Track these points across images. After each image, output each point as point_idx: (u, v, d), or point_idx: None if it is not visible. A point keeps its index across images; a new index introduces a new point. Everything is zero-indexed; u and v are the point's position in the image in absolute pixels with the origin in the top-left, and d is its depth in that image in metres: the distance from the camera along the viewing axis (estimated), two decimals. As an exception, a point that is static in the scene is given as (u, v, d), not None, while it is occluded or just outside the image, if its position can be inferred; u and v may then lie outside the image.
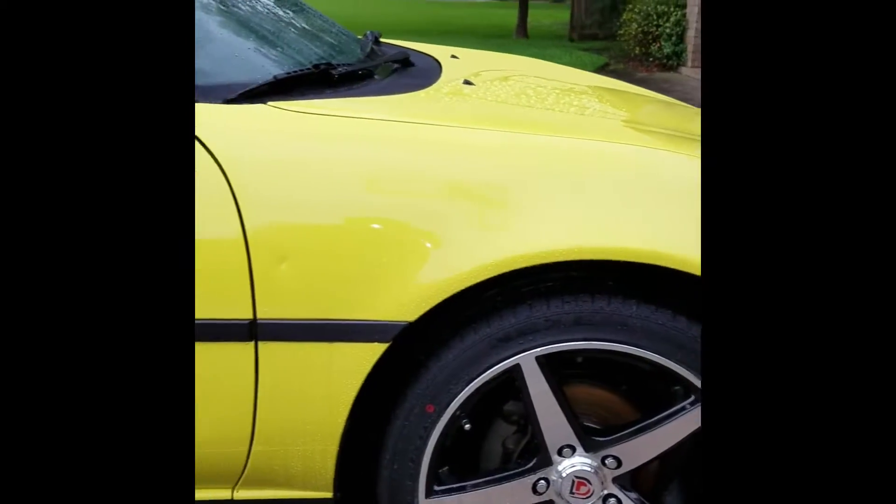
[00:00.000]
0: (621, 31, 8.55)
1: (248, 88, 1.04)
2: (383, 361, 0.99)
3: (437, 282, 0.95)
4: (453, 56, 1.75)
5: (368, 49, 1.53)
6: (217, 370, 0.98)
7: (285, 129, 1.00)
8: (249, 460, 1.03)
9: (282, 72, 1.13)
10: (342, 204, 0.96)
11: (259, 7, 1.37)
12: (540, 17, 14.27)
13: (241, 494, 1.06)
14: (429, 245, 0.96)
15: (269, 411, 1.00)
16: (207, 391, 0.99)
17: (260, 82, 1.06)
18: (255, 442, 1.02)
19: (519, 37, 11.30)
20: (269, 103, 1.02)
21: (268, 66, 1.14)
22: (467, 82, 1.37)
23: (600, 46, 9.81)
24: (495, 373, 1.00)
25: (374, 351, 0.98)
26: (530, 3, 12.01)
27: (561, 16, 14.14)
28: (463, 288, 0.95)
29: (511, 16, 14.11)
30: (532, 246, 0.95)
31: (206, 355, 0.97)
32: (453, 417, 1.02)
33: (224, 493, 1.06)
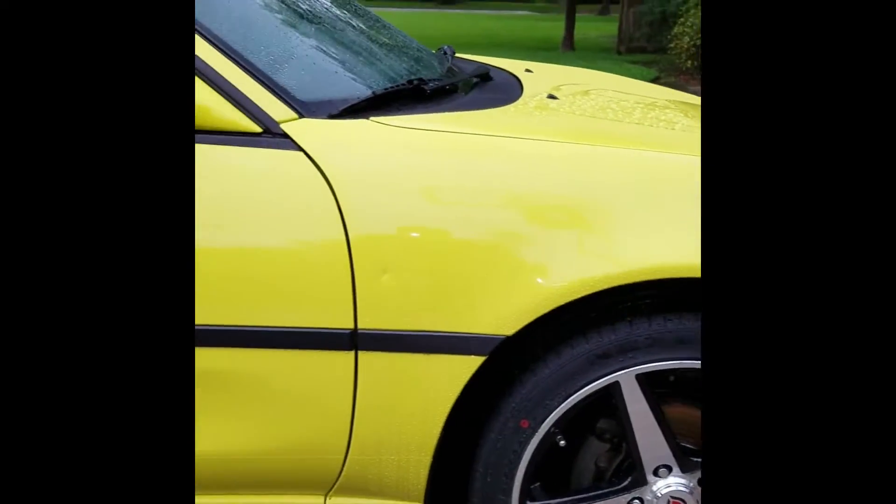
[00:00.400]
0: (672, 45, 8.45)
1: (350, 104, 1.07)
2: (479, 374, 0.99)
3: (537, 297, 0.96)
4: (527, 70, 1.76)
5: (448, 64, 1.55)
6: (317, 378, 1.00)
7: (390, 143, 1.02)
8: (344, 468, 1.04)
9: (379, 87, 1.16)
10: (444, 218, 0.98)
11: (350, 24, 1.41)
12: (586, 29, 14.20)
13: (335, 501, 1.08)
14: (530, 259, 0.96)
15: (366, 420, 1.01)
16: (307, 398, 1.01)
17: (361, 98, 1.09)
18: (350, 450, 1.03)
19: (566, 50, 11.27)
20: (372, 118, 1.05)
21: (365, 82, 1.17)
22: (551, 97, 1.38)
23: (649, 59, 9.71)
24: (593, 389, 0.99)
25: (470, 364, 0.99)
26: (577, 15, 11.99)
27: (607, 28, 14.06)
28: (562, 304, 0.95)
29: (556, 28, 14.09)
30: (634, 263, 0.94)
31: (307, 363, 0.99)
32: (548, 433, 1.01)
33: (317, 500, 1.08)
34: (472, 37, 12.69)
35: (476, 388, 1.02)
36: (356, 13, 1.53)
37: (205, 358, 0.98)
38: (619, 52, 10.97)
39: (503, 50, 9.91)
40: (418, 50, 1.57)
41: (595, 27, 15.38)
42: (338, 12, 1.44)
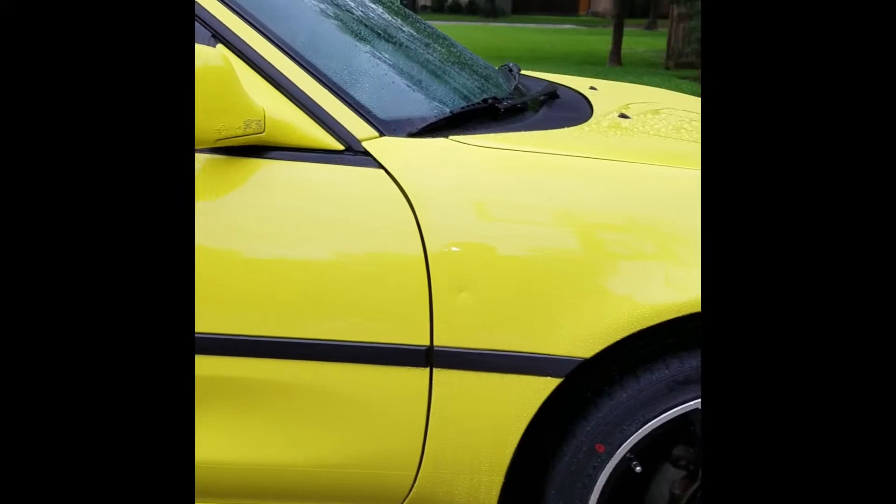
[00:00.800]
0: (723, 60, 8.29)
1: (429, 123, 1.08)
2: (553, 395, 0.99)
3: (619, 320, 0.95)
4: (592, 87, 1.75)
5: (515, 82, 1.56)
6: (392, 393, 1.01)
7: (469, 162, 1.02)
8: (415, 485, 1.04)
9: (454, 106, 1.17)
10: (524, 237, 0.97)
11: (420, 41, 1.43)
12: (633, 44, 14.08)
13: (403, 518, 1.08)
14: (612, 282, 0.95)
15: (438, 438, 1.01)
16: (381, 413, 1.01)
17: (439, 117, 1.10)
18: (422, 467, 1.03)
19: (613, 64, 11.19)
20: (451, 137, 1.05)
21: (440, 100, 1.18)
22: (623, 116, 1.37)
23: (698, 75, 9.57)
24: (673, 415, 0.97)
25: (546, 385, 0.98)
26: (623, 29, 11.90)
27: (655, 44, 13.91)
28: (644, 328, 0.94)
29: (602, 42, 14.00)
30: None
31: (383, 378, 1.00)
32: (623, 458, 1.00)
33: (386, 516, 1.08)
34: (516, 50, 12.71)
35: (550, 409, 1.01)
36: (424, 31, 1.55)
37: (283, 370, 1.00)
38: (668, 68, 10.83)
39: (549, 64, 9.89)
40: (485, 67, 1.58)
41: (642, 42, 15.24)
42: (409, 30, 1.46)
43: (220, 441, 1.04)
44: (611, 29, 12.08)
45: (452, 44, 1.61)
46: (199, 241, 0.98)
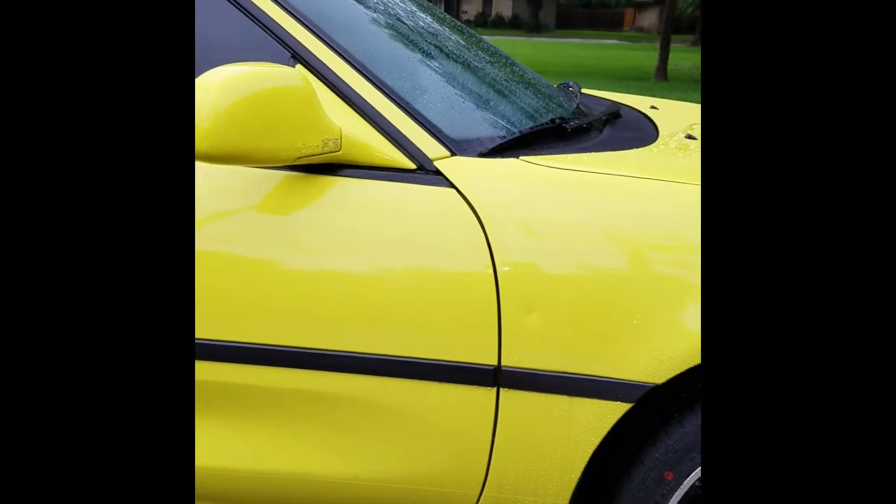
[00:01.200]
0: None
1: (499, 143, 1.08)
2: (622, 420, 0.97)
3: (691, 346, 0.93)
4: (652, 107, 1.74)
5: (577, 101, 1.56)
6: (458, 412, 1.01)
7: (541, 183, 1.02)
8: (479, 505, 1.04)
9: (522, 125, 1.17)
10: (598, 260, 0.97)
11: (485, 60, 1.44)
12: (679, 59, 13.91)
13: (465, 537, 1.08)
14: (687, 307, 0.94)
15: (504, 458, 1.01)
16: (446, 431, 1.01)
17: (509, 137, 1.10)
18: (486, 487, 1.03)
19: (658, 80, 11.08)
20: (522, 158, 1.06)
21: (508, 120, 1.19)
22: (690, 137, 1.35)
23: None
24: (747, 446, 0.95)
25: (616, 410, 0.97)
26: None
27: (700, 60, 13.73)
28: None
29: (647, 58, 13.88)
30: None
31: (449, 396, 1.00)
32: (693, 487, 0.98)
33: (448, 534, 1.08)
34: (561, 65, 12.68)
35: (618, 434, 1.00)
36: (487, 49, 1.56)
37: (351, 384, 1.01)
38: (715, 83, 10.64)
39: (593, 79, 9.83)
40: (546, 86, 1.59)
41: (687, 58, 15.05)
42: (474, 48, 1.47)
43: (284, 452, 1.05)
44: (655, 45, 11.99)
45: (513, 62, 1.62)
46: (273, 255, 1.00)
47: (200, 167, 1.01)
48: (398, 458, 1.04)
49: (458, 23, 1.67)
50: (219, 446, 1.06)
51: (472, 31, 1.68)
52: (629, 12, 35.35)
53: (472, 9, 32.81)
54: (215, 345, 1.01)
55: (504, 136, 1.11)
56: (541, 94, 1.45)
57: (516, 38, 22.82)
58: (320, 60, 1.06)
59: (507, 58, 1.62)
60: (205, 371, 1.02)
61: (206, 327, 1.01)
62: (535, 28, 28.02)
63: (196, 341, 1.01)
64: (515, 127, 1.16)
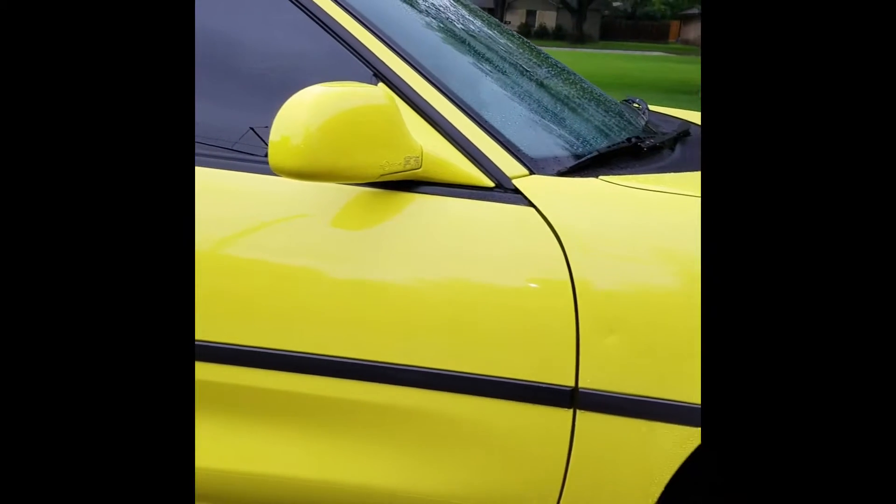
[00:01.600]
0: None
1: (578, 162, 1.08)
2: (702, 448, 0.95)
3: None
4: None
5: (645, 118, 1.54)
6: (532, 432, 1.00)
7: (623, 203, 1.02)
8: (551, 527, 1.03)
9: (598, 144, 1.17)
10: (680, 283, 0.96)
11: (556, 77, 1.44)
12: (726, 72, 13.64)
13: (535, 558, 1.07)
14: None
15: (578, 480, 1.00)
16: (520, 451, 1.01)
17: (587, 156, 1.10)
18: (559, 509, 1.02)
19: (706, 92, 10.86)
20: (601, 177, 1.05)
21: (584, 138, 1.18)
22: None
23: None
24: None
25: (694, 436, 0.95)
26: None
27: (750, 71, 13.45)
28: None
29: (693, 71, 13.67)
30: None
31: (524, 415, 1.00)
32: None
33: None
34: (605, 77, 12.59)
35: (696, 461, 0.98)
36: (555, 65, 1.56)
37: (426, 400, 1.02)
38: (765, 97, 10.41)
39: (638, 91, 9.74)
40: (614, 103, 1.58)
41: (736, 70, 14.72)
42: (543, 65, 1.47)
43: (347, 462, 1.06)
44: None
45: (580, 78, 1.62)
46: (354, 271, 1.02)
47: (279, 182, 1.04)
48: (469, 475, 1.03)
49: (524, 38, 1.67)
50: (294, 455, 1.07)
51: (538, 46, 1.68)
52: (674, 24, 34.91)
53: (515, 19, 32.86)
54: (294, 356, 1.03)
55: (582, 155, 1.11)
56: (610, 110, 1.44)
57: (560, 49, 22.75)
58: (401, 79, 1.08)
59: (572, 73, 1.61)
60: (285, 382, 1.04)
61: (287, 339, 1.03)
62: (579, 39, 27.89)
63: (278, 353, 1.03)
64: (591, 145, 1.16)
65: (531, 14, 33.32)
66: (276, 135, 0.92)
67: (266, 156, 1.04)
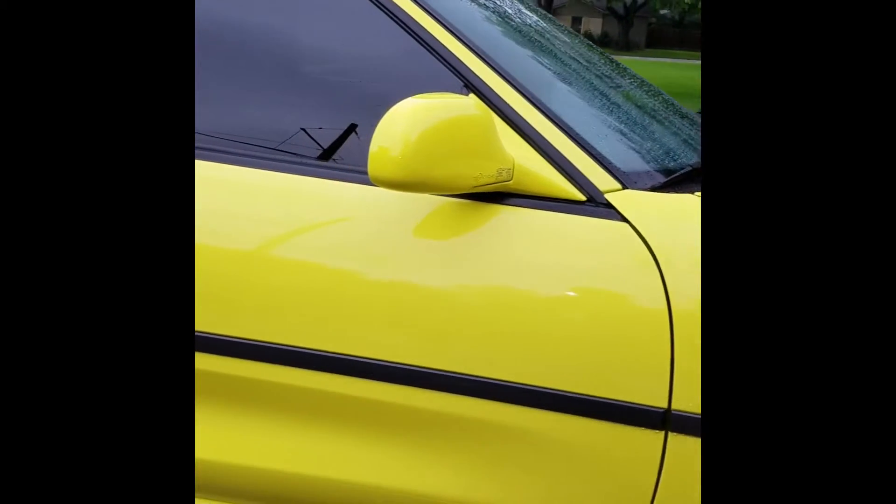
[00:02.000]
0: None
1: (672, 177, 1.05)
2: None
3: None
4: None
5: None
6: (620, 453, 0.98)
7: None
8: (635, 551, 1.00)
9: (687, 157, 1.14)
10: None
11: (639, 89, 1.41)
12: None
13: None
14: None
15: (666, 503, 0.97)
16: (606, 471, 0.98)
17: (681, 171, 1.07)
18: (645, 535, 0.99)
19: (758, 102, 10.63)
20: (697, 193, 1.02)
21: (674, 152, 1.16)
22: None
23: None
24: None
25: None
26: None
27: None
28: None
29: (746, 79, 13.31)
30: None
31: (613, 435, 0.97)
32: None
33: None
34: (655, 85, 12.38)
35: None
36: (635, 77, 1.53)
37: (512, 416, 1.00)
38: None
39: (686, 100, 9.54)
40: (696, 115, 1.54)
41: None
42: (627, 78, 1.45)
43: (421, 471, 1.05)
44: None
45: (659, 90, 1.59)
46: (441, 280, 1.01)
47: (366, 192, 1.03)
48: (554, 495, 1.01)
49: (603, 50, 1.65)
50: (358, 461, 1.07)
51: (615, 59, 1.65)
52: (723, 32, 34.18)
53: (559, 26, 32.67)
54: (375, 364, 1.03)
55: (675, 170, 1.08)
56: (695, 123, 1.41)
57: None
58: (492, 90, 1.07)
59: (653, 86, 1.58)
60: (362, 389, 1.03)
61: (374, 348, 1.02)
62: (626, 46, 27.60)
63: (361, 360, 1.03)
64: (682, 159, 1.13)
65: (577, 21, 33.12)
66: (374, 146, 0.91)
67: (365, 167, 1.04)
